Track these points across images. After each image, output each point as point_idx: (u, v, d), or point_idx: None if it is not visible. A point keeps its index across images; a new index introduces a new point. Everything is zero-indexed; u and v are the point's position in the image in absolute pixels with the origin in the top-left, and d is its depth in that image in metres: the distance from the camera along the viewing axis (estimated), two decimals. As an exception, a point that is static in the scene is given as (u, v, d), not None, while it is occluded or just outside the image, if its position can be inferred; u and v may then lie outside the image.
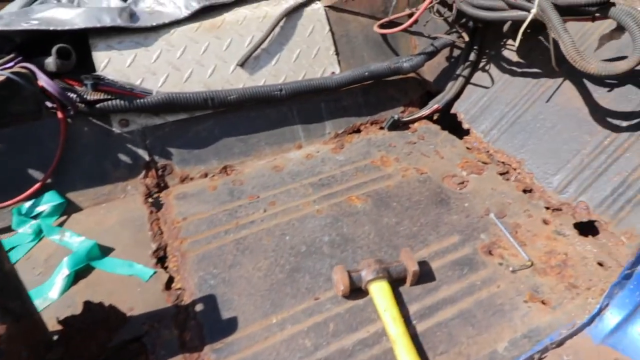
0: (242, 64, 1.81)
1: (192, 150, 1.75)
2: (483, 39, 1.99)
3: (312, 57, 1.92)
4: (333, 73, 1.93)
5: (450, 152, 1.79)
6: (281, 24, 1.87)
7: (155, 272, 1.34)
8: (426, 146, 1.83)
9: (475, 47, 1.98)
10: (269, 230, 1.46)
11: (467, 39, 1.86)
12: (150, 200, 1.64)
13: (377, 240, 1.41)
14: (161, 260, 1.41)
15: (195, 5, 1.80)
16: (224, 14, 1.85)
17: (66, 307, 1.25)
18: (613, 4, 1.26)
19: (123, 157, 1.67)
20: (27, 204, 1.52)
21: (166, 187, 1.71)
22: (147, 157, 1.69)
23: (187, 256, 1.39)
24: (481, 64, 1.99)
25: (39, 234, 1.47)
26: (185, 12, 1.78)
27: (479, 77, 1.98)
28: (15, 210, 1.50)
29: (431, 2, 1.78)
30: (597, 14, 1.29)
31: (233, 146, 1.80)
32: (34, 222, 1.48)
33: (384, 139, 1.89)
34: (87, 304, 1.18)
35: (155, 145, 1.71)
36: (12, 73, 1.47)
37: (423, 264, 1.30)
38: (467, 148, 1.81)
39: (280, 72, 1.87)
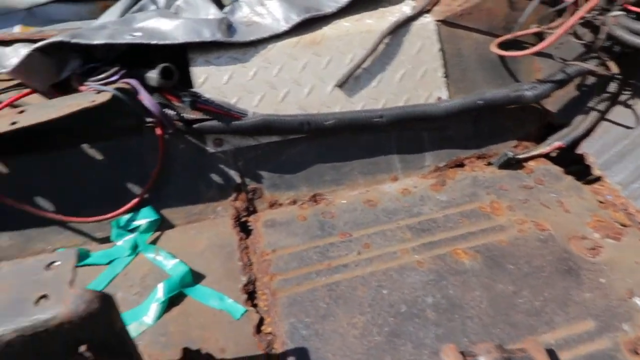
0: (341, 85, 1.66)
1: (283, 174, 1.67)
2: (628, 66, 1.66)
3: (417, 79, 1.71)
4: (439, 98, 1.72)
5: (577, 205, 1.52)
6: (386, 40, 1.68)
7: (246, 311, 1.30)
8: (546, 194, 1.57)
9: (617, 76, 1.66)
10: (364, 279, 1.34)
11: (614, 70, 1.54)
12: (239, 224, 1.59)
13: (490, 312, 1.23)
14: (250, 295, 1.36)
15: (295, 18, 1.66)
16: (324, 27, 1.69)
17: (160, 335, 1.24)
18: None
19: (215, 178, 1.63)
20: (125, 217, 1.55)
21: (255, 211, 1.65)
22: (238, 179, 1.63)
23: (277, 296, 1.32)
24: (623, 97, 1.67)
25: (134, 249, 1.49)
26: (284, 26, 1.65)
27: (619, 113, 1.66)
28: (114, 222, 1.53)
29: (575, 22, 1.48)
30: None
31: (324, 173, 1.69)
32: (130, 236, 1.51)
33: (493, 179, 1.66)
34: (187, 353, 1.15)
35: (247, 167, 1.64)
36: (117, 89, 1.45)
37: (550, 354, 1.10)
38: (599, 202, 1.53)
39: (381, 95, 1.69)
